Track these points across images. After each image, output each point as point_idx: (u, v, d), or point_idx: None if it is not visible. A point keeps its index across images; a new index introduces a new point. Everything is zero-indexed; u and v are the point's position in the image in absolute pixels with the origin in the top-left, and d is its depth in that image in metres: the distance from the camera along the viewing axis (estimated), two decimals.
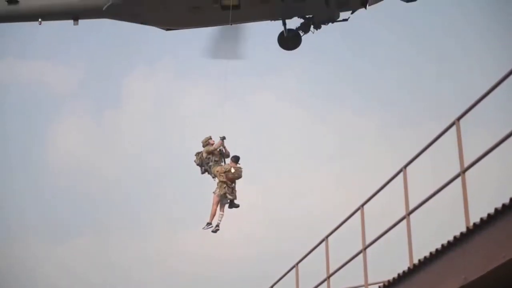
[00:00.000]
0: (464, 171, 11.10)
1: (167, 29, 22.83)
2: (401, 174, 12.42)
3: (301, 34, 22.74)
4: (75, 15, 21.96)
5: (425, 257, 11.40)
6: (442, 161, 12.89)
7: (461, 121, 11.67)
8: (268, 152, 38.73)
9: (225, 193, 19.30)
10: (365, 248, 13.20)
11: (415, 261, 11.68)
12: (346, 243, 14.89)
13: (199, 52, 22.88)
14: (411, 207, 11.99)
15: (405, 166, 12.36)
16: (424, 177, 13.42)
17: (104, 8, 21.67)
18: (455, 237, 10.74)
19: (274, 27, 22.76)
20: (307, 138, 40.91)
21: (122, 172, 43.25)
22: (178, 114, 42.25)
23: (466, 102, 11.61)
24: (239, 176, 19.56)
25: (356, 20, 22.52)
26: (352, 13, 22.33)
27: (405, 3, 21.93)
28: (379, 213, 13.97)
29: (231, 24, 22.25)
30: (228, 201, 19.50)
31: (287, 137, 40.15)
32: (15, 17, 22.15)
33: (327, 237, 15.15)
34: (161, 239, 42.21)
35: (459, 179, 11.14)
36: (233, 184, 19.48)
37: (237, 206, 19.63)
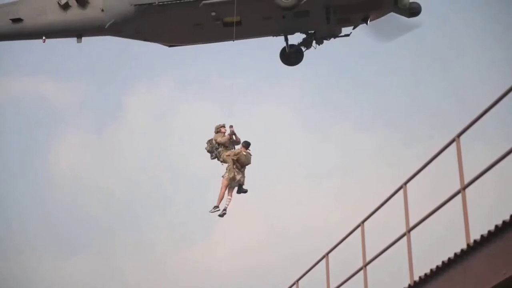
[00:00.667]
0: (464, 187, 11.12)
1: (170, 46, 22.97)
2: (402, 191, 12.45)
3: (303, 49, 22.84)
4: (78, 32, 22.13)
5: (425, 274, 11.40)
6: (443, 177, 12.91)
7: (462, 136, 11.70)
8: (268, 165, 38.75)
9: (233, 176, 19.46)
10: (365, 265, 13.21)
11: (416, 278, 11.68)
12: (346, 259, 14.90)
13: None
14: (411, 224, 12.00)
15: (406, 183, 12.39)
16: (424, 193, 13.44)
17: (106, 26, 21.82)
18: (455, 254, 10.75)
19: (276, 42, 22.91)
20: (308, 152, 40.93)
21: (124, 186, 43.34)
22: (180, 128, 42.40)
23: (469, 118, 11.65)
24: (248, 162, 19.74)
25: (359, 35, 22.61)
26: (353, 28, 22.42)
27: (406, 18, 22.01)
28: (379, 229, 13.97)
29: (233, 41, 22.40)
30: (237, 185, 19.65)
31: (288, 151, 40.20)
32: (19, 35, 22.34)
33: (327, 254, 15.17)
34: (164, 251, 42.22)
35: (459, 196, 11.16)
36: (243, 169, 19.64)
37: (245, 191, 19.81)
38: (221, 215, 19.57)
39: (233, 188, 19.70)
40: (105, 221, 42.25)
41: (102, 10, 21.83)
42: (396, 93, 41.62)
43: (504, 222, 9.86)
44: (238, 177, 19.52)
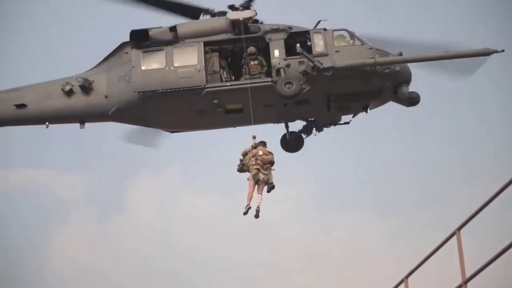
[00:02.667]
0: (466, 281, 11.08)
1: (172, 132, 23.19)
2: (403, 285, 12.38)
3: (304, 136, 23.07)
4: (81, 118, 22.35)
5: None
6: (444, 270, 12.85)
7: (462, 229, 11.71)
8: (268, 260, 38.64)
9: (255, 175, 20.09)
10: None
11: None
12: None
13: (121, 136, 23.61)
14: None
15: (407, 276, 12.34)
16: (425, 287, 13.33)
17: (110, 112, 22.07)
18: None
19: (277, 129, 23.18)
20: (308, 246, 40.64)
21: (128, 278, 42.81)
22: (185, 219, 42.35)
23: (470, 210, 11.70)
24: (269, 159, 20.39)
25: (358, 123, 22.88)
26: (353, 116, 22.70)
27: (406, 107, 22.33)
28: None
29: (234, 127, 22.64)
30: (265, 184, 20.21)
31: (288, 245, 39.95)
32: (23, 120, 22.55)
33: None
34: None
35: None
36: (265, 167, 20.23)
37: (272, 187, 20.33)
38: (257, 216, 20.14)
39: (262, 187, 20.30)
40: None
41: (106, 97, 22.12)
42: (397, 186, 41.67)
43: None
44: (261, 176, 20.13)
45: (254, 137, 20.79)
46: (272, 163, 20.46)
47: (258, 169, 20.19)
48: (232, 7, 22.13)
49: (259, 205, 20.15)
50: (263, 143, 20.73)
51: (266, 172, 20.27)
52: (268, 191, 20.36)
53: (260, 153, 20.40)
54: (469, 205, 11.73)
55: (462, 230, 11.55)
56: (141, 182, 45.63)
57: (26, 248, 41.70)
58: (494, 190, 11.15)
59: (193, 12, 22.28)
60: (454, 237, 11.62)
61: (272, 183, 20.33)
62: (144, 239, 42.55)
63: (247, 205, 20.17)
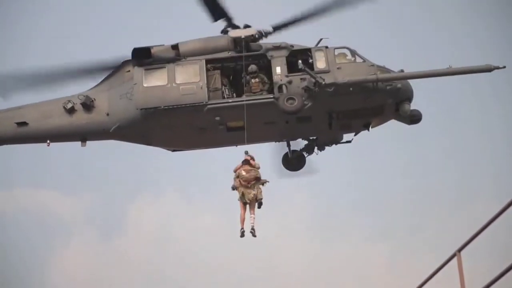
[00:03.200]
0: None
1: (173, 150, 23.12)
2: None
3: (305, 155, 23.01)
4: (82, 136, 22.31)
5: None
6: None
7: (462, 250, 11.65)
8: (273, 282, 38.50)
9: (242, 194, 20.04)
10: None
11: None
12: None
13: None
14: None
15: None
16: None
17: (111, 130, 22.03)
18: None
19: (278, 148, 23.10)
20: (313, 265, 40.49)
21: None
22: (186, 238, 42.30)
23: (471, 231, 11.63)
24: (254, 176, 20.25)
25: (361, 141, 22.83)
26: (355, 134, 22.65)
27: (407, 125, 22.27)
28: None
29: (236, 146, 22.57)
30: (256, 201, 20.09)
31: (292, 267, 39.80)
32: (24, 138, 22.51)
33: None
34: None
35: None
36: (251, 185, 20.13)
37: (260, 203, 20.21)
38: (254, 236, 19.96)
39: (254, 205, 20.20)
40: None
41: (108, 114, 22.07)
42: (401, 205, 41.57)
43: None
44: (248, 194, 20.08)
45: (246, 152, 20.75)
46: (257, 179, 20.33)
47: (243, 189, 20.10)
48: (247, 27, 22.05)
49: (253, 226, 20.04)
50: (246, 162, 20.58)
51: (254, 190, 20.16)
52: (258, 207, 20.30)
53: (243, 173, 20.31)
54: (470, 226, 11.67)
55: (462, 252, 11.47)
56: (142, 201, 45.63)
57: (27, 268, 41.63)
58: (496, 210, 11.08)
59: (218, 13, 21.56)
60: (455, 259, 11.53)
61: (261, 198, 20.23)
62: (145, 258, 42.47)
63: (241, 229, 20.11)
